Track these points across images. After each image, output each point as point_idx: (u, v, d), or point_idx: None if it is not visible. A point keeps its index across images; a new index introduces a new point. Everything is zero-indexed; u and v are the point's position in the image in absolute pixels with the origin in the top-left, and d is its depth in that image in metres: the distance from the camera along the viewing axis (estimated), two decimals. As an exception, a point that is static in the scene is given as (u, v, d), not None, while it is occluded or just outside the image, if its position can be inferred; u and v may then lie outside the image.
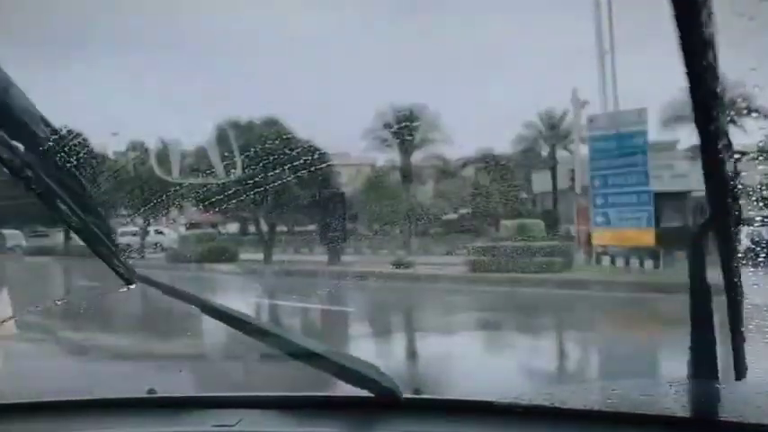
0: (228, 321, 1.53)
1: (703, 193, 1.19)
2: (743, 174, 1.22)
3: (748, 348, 1.41)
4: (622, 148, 15.01)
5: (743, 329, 1.38)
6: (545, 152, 27.08)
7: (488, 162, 26.76)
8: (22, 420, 1.57)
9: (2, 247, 21.18)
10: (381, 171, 26.84)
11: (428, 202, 25.19)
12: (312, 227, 20.65)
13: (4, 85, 1.18)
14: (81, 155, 1.41)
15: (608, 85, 15.86)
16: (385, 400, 1.44)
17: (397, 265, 14.10)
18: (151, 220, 25.40)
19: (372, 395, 1.43)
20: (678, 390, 1.45)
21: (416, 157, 25.62)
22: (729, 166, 1.14)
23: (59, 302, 2.17)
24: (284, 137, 14.71)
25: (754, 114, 1.76)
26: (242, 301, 9.97)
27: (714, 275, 1.30)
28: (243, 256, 18.77)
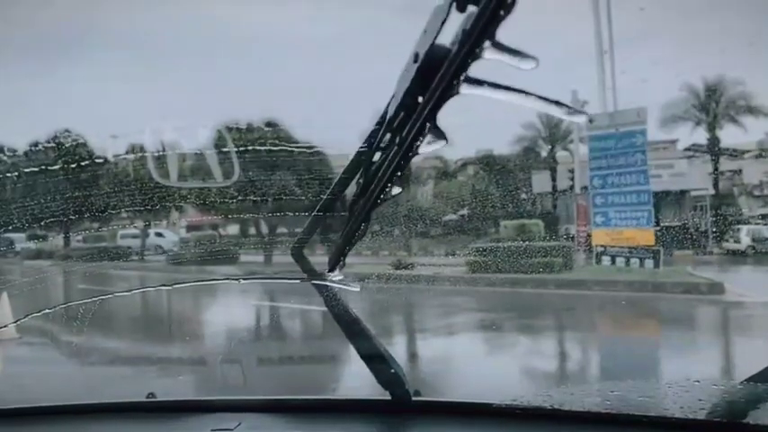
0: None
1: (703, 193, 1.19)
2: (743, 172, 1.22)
3: (750, 347, 1.40)
4: (622, 147, 15.01)
5: None
6: (545, 152, 27.07)
7: (488, 163, 26.73)
8: (23, 425, 1.57)
9: (7, 252, 21.12)
10: (381, 172, 26.79)
11: (428, 203, 25.16)
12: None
13: None
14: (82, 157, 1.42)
15: (607, 85, 15.87)
16: (399, 403, 1.44)
17: (397, 266, 14.07)
18: (151, 223, 25.43)
19: (390, 398, 1.44)
20: (677, 391, 1.45)
21: (416, 157, 25.55)
22: None
23: (59, 307, 2.17)
24: (284, 138, 14.69)
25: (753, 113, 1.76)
26: (243, 304, 9.96)
27: (714, 275, 1.29)
28: (243, 258, 18.78)
